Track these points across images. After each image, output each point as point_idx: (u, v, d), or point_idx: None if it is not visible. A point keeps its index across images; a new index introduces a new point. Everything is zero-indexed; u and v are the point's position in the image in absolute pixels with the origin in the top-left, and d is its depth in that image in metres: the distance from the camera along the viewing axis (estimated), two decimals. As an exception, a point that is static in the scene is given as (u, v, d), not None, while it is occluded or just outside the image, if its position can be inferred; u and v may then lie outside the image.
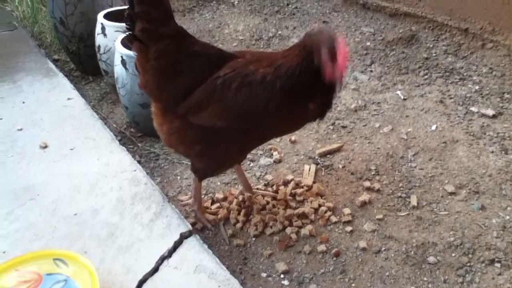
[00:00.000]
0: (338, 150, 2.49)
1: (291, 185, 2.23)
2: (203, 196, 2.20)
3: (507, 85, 2.93)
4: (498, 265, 1.81)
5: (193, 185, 2.04)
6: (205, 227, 2.02)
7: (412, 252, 1.88)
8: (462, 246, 1.90)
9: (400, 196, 2.17)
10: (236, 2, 4.56)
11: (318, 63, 1.57)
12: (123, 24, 2.65)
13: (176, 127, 1.74)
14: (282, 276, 1.80)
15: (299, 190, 2.19)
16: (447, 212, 2.07)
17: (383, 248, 1.91)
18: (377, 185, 2.22)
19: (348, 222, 2.03)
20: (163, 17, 1.64)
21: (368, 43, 3.59)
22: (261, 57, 1.76)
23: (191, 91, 1.68)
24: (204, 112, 1.68)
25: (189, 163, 2.39)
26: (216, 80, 1.67)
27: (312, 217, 2.05)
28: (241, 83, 1.66)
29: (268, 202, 2.13)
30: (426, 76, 3.12)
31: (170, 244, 1.78)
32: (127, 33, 1.65)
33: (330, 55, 1.54)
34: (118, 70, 2.49)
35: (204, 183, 2.27)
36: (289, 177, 2.28)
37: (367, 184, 2.23)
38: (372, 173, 2.32)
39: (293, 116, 1.75)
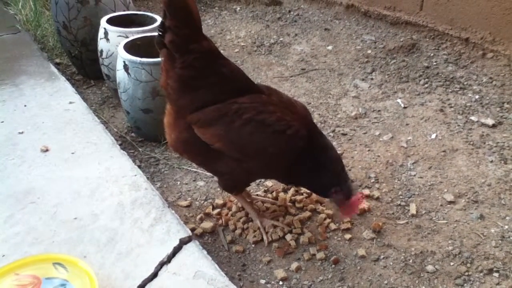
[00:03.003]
0: (338, 157, 2.50)
1: (291, 191, 2.24)
2: (203, 202, 2.21)
3: (507, 95, 2.94)
4: (496, 274, 1.81)
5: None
6: (204, 233, 2.03)
7: (411, 261, 1.89)
8: (460, 255, 1.90)
9: (399, 204, 2.17)
10: (238, 9, 4.59)
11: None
12: (126, 29, 2.70)
13: (184, 137, 1.80)
14: (280, 283, 1.81)
15: (298, 197, 2.20)
16: (446, 221, 2.07)
17: (381, 256, 1.91)
18: (376, 193, 2.23)
19: (347, 230, 2.04)
20: (192, 34, 1.68)
21: (369, 51, 3.61)
22: (285, 102, 1.81)
23: (205, 106, 1.73)
24: (209, 129, 1.73)
25: (189, 168, 2.41)
26: (231, 105, 1.71)
27: (311, 224, 2.06)
28: (253, 117, 1.70)
29: (267, 209, 2.14)
30: (426, 85, 3.14)
31: (169, 250, 1.78)
32: (158, 39, 1.70)
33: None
34: (120, 75, 2.50)
35: (204, 188, 2.28)
36: (289, 184, 2.29)
37: (366, 191, 2.24)
38: (372, 181, 2.33)
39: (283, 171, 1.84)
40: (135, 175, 2.18)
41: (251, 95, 1.76)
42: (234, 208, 2.13)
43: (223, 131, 1.72)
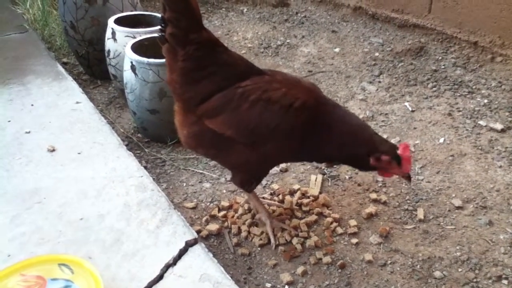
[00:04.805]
0: (345, 160, 2.48)
1: (297, 194, 2.22)
2: (209, 204, 2.20)
3: (516, 100, 2.92)
4: (505, 281, 1.79)
5: (251, 204, 2.11)
6: (210, 235, 2.02)
7: (418, 266, 1.87)
8: (468, 262, 1.88)
9: (407, 209, 2.16)
10: (245, 10, 4.58)
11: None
12: (133, 30, 2.70)
13: (195, 131, 1.79)
14: (286, 287, 1.79)
15: (305, 200, 2.18)
16: (454, 227, 2.05)
17: (389, 261, 1.89)
18: (383, 197, 2.21)
19: (354, 234, 2.02)
20: (191, 25, 1.69)
21: (377, 54, 3.59)
22: (290, 80, 1.80)
23: (211, 96, 1.72)
24: (218, 118, 1.72)
25: (195, 170, 2.41)
26: (236, 90, 1.71)
27: (318, 227, 2.04)
28: (259, 97, 1.69)
29: (273, 211, 2.13)
30: (434, 88, 3.11)
31: (175, 252, 1.77)
32: (159, 34, 1.72)
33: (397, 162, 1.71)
34: (127, 75, 2.50)
35: (210, 190, 2.27)
36: (296, 186, 2.27)
37: (373, 196, 2.22)
38: (379, 184, 2.31)
39: (298, 148, 1.78)
40: (141, 176, 2.18)
41: (253, 78, 1.75)
42: (240, 211, 2.12)
43: (231, 117, 1.71)
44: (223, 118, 1.71)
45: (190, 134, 1.81)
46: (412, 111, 2.90)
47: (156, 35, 2.45)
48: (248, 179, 1.92)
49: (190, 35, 1.68)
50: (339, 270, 1.86)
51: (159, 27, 1.71)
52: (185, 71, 1.74)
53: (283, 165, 2.41)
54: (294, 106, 1.69)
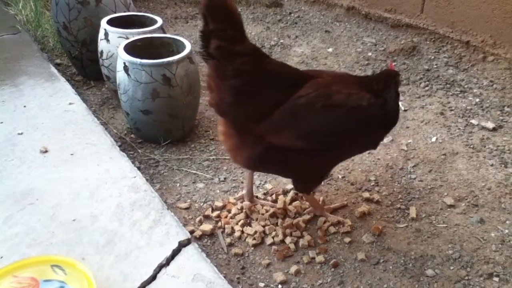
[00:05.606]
0: (338, 160, 2.49)
1: (291, 194, 2.23)
2: (202, 204, 2.20)
3: (507, 98, 2.94)
4: (496, 279, 1.81)
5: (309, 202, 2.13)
6: (203, 235, 2.02)
7: (411, 265, 1.88)
8: (460, 259, 1.89)
9: (399, 208, 2.17)
10: (238, 10, 4.58)
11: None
12: (126, 30, 2.70)
13: (258, 152, 1.72)
14: (280, 286, 1.80)
15: (298, 201, 2.19)
16: (446, 225, 2.07)
17: (381, 260, 1.91)
18: (376, 196, 2.22)
19: (347, 233, 2.03)
20: (237, 35, 1.60)
21: (370, 54, 3.61)
22: (340, 78, 1.80)
23: (269, 111, 1.65)
24: (285, 132, 1.66)
25: (189, 170, 2.41)
26: (298, 100, 1.65)
27: (311, 227, 2.05)
28: (325, 103, 1.65)
29: (267, 211, 2.13)
30: (427, 88, 3.13)
31: (168, 252, 1.77)
32: (202, 51, 1.61)
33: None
34: (120, 76, 2.50)
35: (204, 190, 2.28)
36: (289, 186, 2.28)
37: (366, 195, 2.23)
38: (372, 184, 2.32)
39: (366, 141, 1.82)
40: (135, 177, 2.18)
41: (308, 83, 1.69)
42: (233, 211, 2.13)
43: (301, 128, 1.66)
44: (291, 131, 1.65)
45: (253, 157, 1.74)
46: (405, 110, 2.91)
47: (153, 36, 2.40)
48: (312, 183, 1.93)
49: (236, 46, 1.58)
50: (332, 269, 1.87)
51: (201, 44, 1.59)
52: (239, 89, 1.62)
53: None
54: (362, 105, 1.68)
